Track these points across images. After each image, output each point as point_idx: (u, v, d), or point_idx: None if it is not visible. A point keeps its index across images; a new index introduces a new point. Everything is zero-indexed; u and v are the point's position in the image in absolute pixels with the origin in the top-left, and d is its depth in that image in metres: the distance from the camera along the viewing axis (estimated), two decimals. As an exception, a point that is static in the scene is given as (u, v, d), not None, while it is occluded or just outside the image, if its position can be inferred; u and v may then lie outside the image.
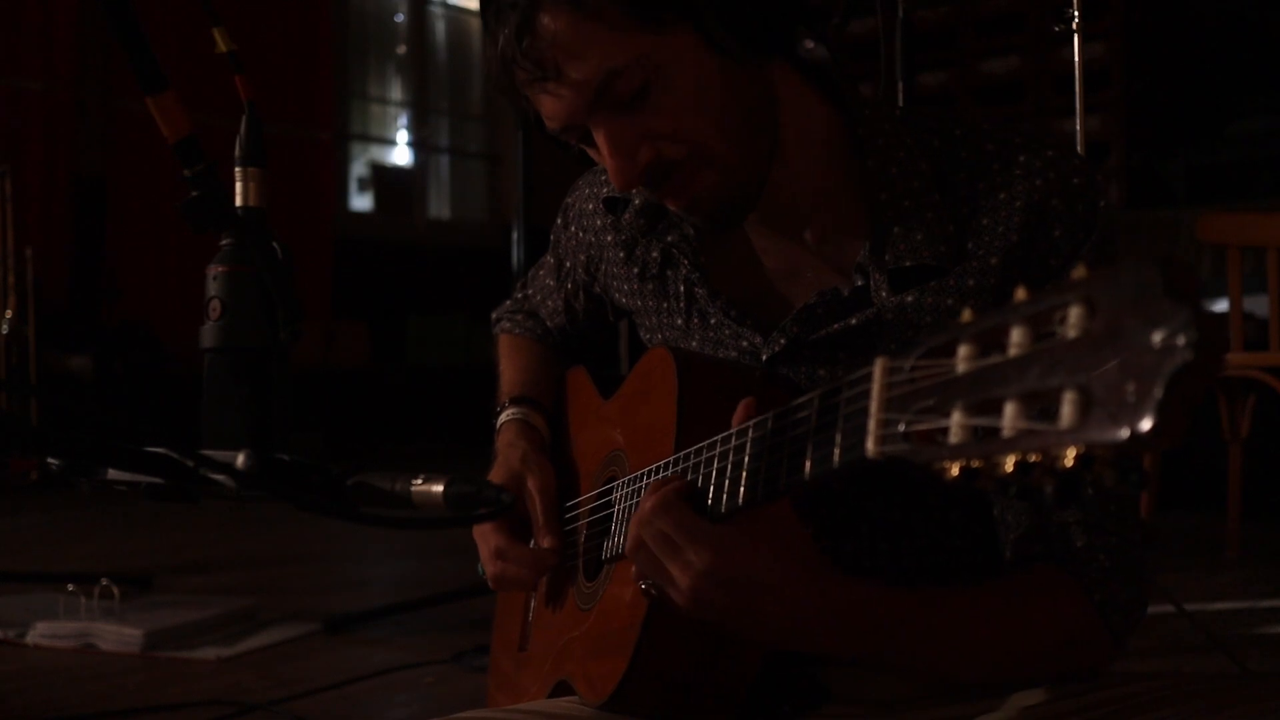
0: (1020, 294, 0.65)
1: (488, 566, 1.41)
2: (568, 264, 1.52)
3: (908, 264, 1.13)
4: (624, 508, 1.20)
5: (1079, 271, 0.62)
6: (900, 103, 2.69)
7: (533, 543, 1.38)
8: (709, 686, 1.12)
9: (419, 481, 0.91)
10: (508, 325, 1.67)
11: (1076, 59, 2.80)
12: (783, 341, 1.20)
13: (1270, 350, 3.73)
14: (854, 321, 1.16)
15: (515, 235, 3.47)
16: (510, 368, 1.59)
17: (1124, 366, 0.58)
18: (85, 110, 7.11)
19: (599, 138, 1.12)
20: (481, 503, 0.91)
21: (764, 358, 1.21)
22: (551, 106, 1.13)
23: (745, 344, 1.24)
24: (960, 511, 1.18)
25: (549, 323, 1.61)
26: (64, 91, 6.97)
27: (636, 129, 1.11)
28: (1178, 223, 5.47)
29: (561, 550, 1.37)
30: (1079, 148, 2.80)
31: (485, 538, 1.40)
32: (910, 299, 1.14)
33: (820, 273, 1.21)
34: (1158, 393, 0.56)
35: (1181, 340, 0.56)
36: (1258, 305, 4.27)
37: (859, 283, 1.16)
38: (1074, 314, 0.62)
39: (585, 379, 1.46)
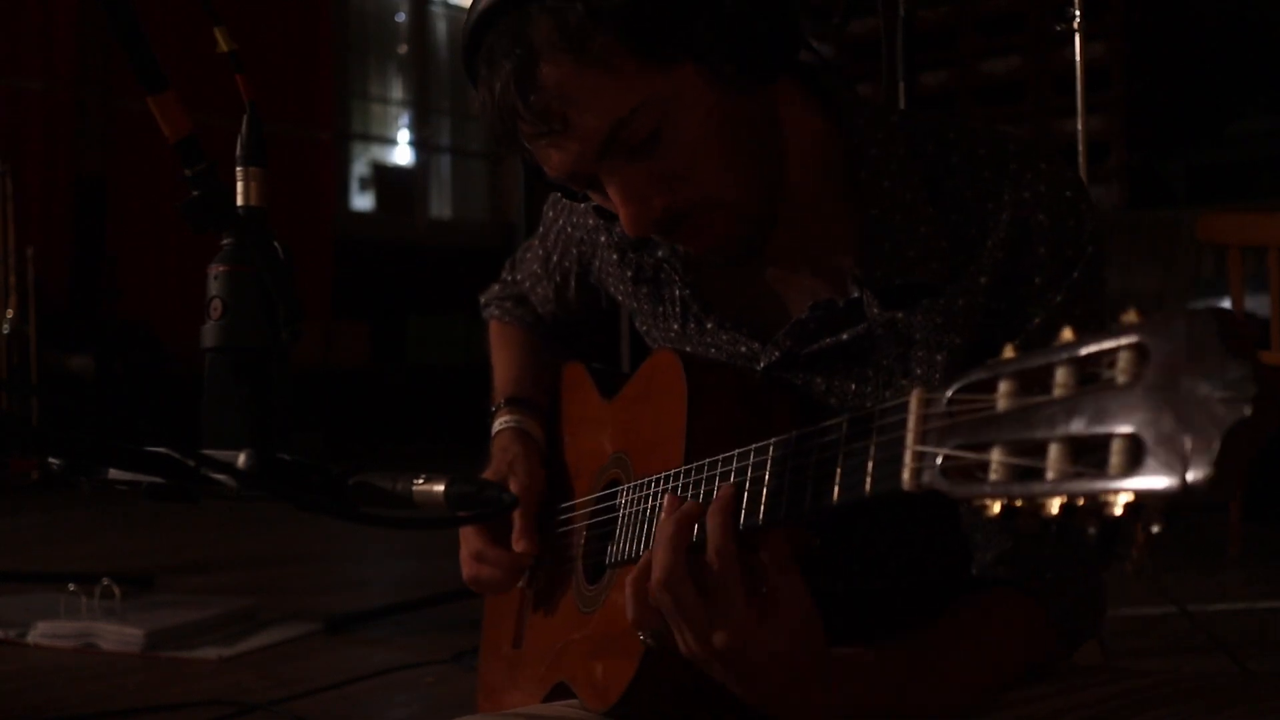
0: (1067, 334, 0.65)
1: (465, 568, 1.42)
2: (555, 257, 1.51)
3: (898, 282, 1.12)
4: (630, 513, 1.19)
5: (1130, 316, 0.61)
6: (901, 103, 2.68)
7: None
8: (716, 689, 1.11)
9: (420, 481, 0.91)
10: (496, 312, 1.65)
11: (1078, 59, 2.80)
12: (777, 354, 1.20)
13: (1271, 350, 3.73)
14: (845, 337, 1.16)
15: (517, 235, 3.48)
16: (503, 362, 1.58)
17: (1179, 418, 0.57)
18: (85, 110, 7.11)
19: (610, 187, 1.08)
20: (482, 503, 0.91)
21: (760, 365, 1.21)
22: (557, 158, 1.08)
23: (743, 349, 1.23)
24: (940, 522, 1.17)
25: (540, 309, 1.60)
26: (64, 91, 6.96)
27: (648, 174, 1.07)
28: (1178, 223, 5.47)
29: (536, 555, 1.37)
30: (1079, 148, 2.80)
31: (467, 539, 1.41)
32: (900, 316, 1.13)
33: (816, 282, 1.20)
34: (1215, 447, 0.56)
35: (1240, 395, 0.56)
36: (1259, 305, 4.27)
37: (854, 294, 1.15)
38: (1124, 359, 0.61)
39: (584, 375, 1.45)
